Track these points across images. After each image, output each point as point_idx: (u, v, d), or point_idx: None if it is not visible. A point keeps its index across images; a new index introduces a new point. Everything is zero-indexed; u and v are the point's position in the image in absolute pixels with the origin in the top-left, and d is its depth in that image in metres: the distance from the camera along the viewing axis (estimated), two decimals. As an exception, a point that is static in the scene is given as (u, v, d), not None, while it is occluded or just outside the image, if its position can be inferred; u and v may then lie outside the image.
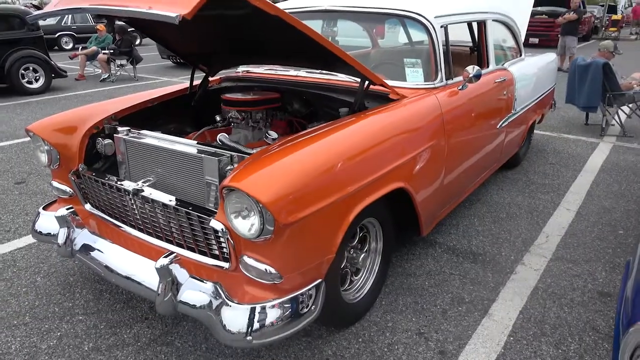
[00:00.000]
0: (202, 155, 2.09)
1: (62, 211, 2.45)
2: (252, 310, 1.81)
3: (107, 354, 2.23)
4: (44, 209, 2.70)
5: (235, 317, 1.81)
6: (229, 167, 2.06)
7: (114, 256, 2.28)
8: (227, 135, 2.55)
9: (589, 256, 3.07)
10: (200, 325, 2.39)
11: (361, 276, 2.49)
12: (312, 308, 1.93)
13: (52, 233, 2.52)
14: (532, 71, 4.36)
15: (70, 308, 2.56)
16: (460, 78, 2.91)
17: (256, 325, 1.80)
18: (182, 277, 1.99)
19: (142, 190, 2.15)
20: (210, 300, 1.89)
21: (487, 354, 2.21)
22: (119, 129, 2.50)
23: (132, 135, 2.43)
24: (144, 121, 2.78)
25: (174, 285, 1.98)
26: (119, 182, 2.26)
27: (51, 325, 2.42)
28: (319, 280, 1.97)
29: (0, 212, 3.76)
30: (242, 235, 1.78)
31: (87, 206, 2.57)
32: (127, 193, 2.22)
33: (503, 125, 3.62)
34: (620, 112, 5.90)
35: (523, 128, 4.27)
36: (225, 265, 1.97)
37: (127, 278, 2.13)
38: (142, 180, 2.23)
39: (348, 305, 2.35)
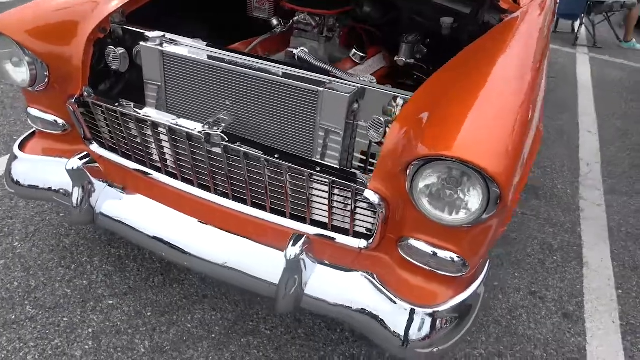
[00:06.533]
0: (320, 88, 1.42)
1: (75, 162, 1.65)
2: (434, 314, 1.35)
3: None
4: (20, 149, 1.84)
5: (415, 322, 1.34)
6: (355, 106, 1.43)
7: (173, 225, 1.61)
8: (306, 51, 1.86)
9: (637, 188, 2.98)
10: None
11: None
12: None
13: (52, 188, 1.74)
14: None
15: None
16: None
17: (439, 330, 1.36)
18: (308, 264, 1.44)
19: (226, 139, 1.44)
20: (367, 297, 1.38)
21: (609, 313, 2.03)
22: (148, 35, 1.67)
23: (170, 47, 1.61)
24: (157, 21, 1.92)
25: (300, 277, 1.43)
26: (177, 125, 1.50)
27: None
28: (488, 261, 1.54)
29: None
30: (437, 220, 1.25)
31: (94, 147, 1.79)
32: (188, 138, 1.50)
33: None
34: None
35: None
36: (364, 243, 1.44)
37: (222, 266, 1.50)
38: (212, 120, 1.49)
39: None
